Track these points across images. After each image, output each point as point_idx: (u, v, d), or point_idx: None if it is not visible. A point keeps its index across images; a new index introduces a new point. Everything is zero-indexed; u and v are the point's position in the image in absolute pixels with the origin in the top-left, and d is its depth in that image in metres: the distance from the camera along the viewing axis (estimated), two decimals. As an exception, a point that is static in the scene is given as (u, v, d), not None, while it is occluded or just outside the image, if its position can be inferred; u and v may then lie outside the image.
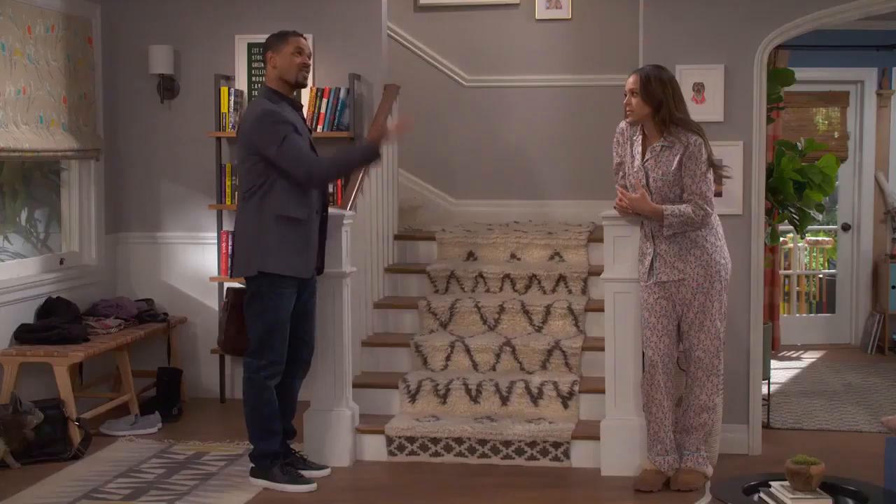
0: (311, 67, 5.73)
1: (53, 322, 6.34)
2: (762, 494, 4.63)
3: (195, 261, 7.30)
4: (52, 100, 6.57)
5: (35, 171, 6.96)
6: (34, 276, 6.52)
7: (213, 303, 7.26)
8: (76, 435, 6.00)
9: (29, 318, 6.40)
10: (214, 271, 7.21)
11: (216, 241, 7.18)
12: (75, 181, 7.03)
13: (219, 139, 7.12)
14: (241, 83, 7.19)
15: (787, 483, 4.58)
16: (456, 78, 8.22)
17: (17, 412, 5.72)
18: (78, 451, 5.93)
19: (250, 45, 7.17)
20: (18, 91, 6.29)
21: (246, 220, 5.39)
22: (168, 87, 7.27)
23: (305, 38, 5.54)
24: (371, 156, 5.52)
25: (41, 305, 6.51)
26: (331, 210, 5.87)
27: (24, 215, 6.59)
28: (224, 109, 7.07)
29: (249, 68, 7.19)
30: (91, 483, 5.52)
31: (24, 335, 6.25)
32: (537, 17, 8.09)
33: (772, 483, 4.66)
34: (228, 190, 7.11)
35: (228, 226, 7.22)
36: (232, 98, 7.05)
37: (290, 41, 5.45)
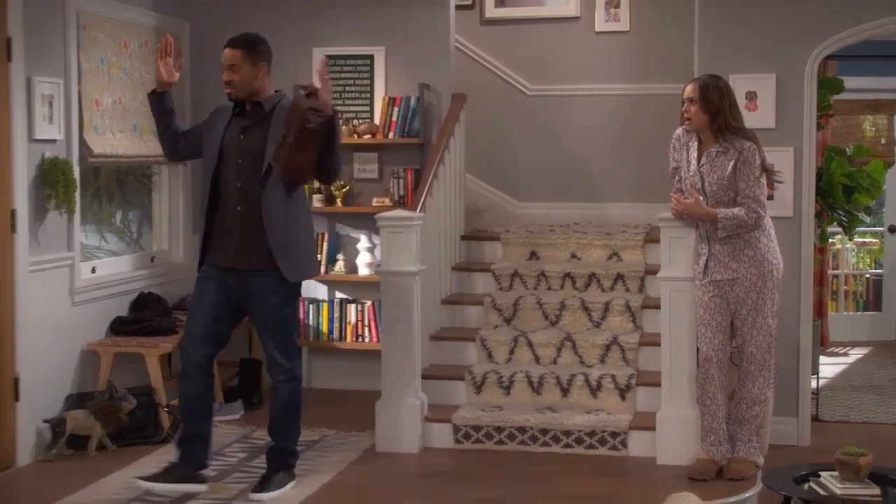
0: (235, 79, 5.01)
1: (145, 315, 6.43)
2: (812, 484, 4.57)
3: (275, 259, 7.33)
4: (144, 109, 6.62)
5: (129, 175, 7.06)
6: (128, 273, 6.62)
7: (292, 298, 7.30)
8: (165, 420, 6.07)
9: (123, 312, 6.50)
10: (293, 269, 7.25)
11: (295, 240, 7.22)
12: (165, 184, 7.13)
13: (298, 145, 7.15)
14: (319, 93, 7.23)
15: (836, 473, 4.52)
16: (519, 87, 8.21)
17: (113, 398, 5.80)
18: (167, 435, 5.99)
19: (327, 57, 7.20)
20: (115, 101, 6.40)
21: (303, 216, 5.13)
22: (251, 97, 7.32)
23: (229, 49, 4.98)
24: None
25: (134, 300, 6.60)
26: (401, 212, 5.91)
27: (118, 216, 6.70)
28: (302, 117, 7.10)
29: (326, 79, 7.22)
30: (180, 465, 5.60)
31: (118, 327, 6.35)
32: (597, 29, 8.05)
33: (821, 473, 4.60)
34: (306, 192, 7.13)
35: (306, 226, 7.28)
36: (310, 107, 7.08)
37: None
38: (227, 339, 5.19)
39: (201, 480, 5.08)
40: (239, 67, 4.98)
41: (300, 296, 5.27)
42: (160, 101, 5.08)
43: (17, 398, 5.60)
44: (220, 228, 5.06)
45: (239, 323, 5.30)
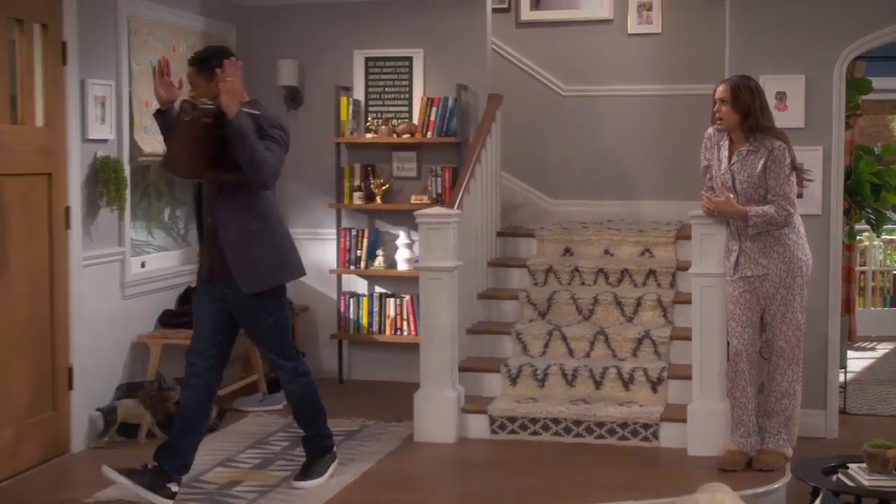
0: (198, 91, 5.00)
1: (192, 308, 6.50)
2: (840, 475, 4.58)
3: (316, 254, 7.40)
4: (191, 110, 6.73)
5: (176, 173, 7.13)
6: (175, 267, 6.70)
7: (332, 292, 7.38)
8: (212, 409, 6.13)
9: (171, 305, 6.58)
10: (333, 264, 7.34)
11: (335, 236, 7.31)
12: (211, 182, 7.19)
13: (338, 144, 7.23)
14: (359, 94, 7.30)
15: (864, 465, 4.53)
16: (554, 88, 8.23)
17: (161, 388, 5.86)
18: (214, 425, 6.05)
19: (367, 59, 7.27)
20: (163, 102, 6.47)
21: (261, 227, 4.92)
22: (294, 97, 7.40)
23: (188, 67, 5.02)
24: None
25: (181, 293, 6.68)
26: (439, 209, 5.96)
27: (167, 213, 6.78)
28: (343, 118, 7.18)
29: (366, 80, 7.29)
30: (225, 453, 5.67)
31: (166, 320, 6.44)
32: (629, 31, 8.06)
33: (849, 465, 4.61)
34: (347, 191, 7.23)
35: (346, 223, 7.35)
36: (350, 107, 7.16)
37: None
38: (228, 352, 5.08)
39: (168, 495, 4.81)
40: (196, 84, 4.96)
41: (283, 300, 5.03)
42: (163, 119, 4.99)
43: (70, 387, 5.70)
44: (203, 241, 5.04)
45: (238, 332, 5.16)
